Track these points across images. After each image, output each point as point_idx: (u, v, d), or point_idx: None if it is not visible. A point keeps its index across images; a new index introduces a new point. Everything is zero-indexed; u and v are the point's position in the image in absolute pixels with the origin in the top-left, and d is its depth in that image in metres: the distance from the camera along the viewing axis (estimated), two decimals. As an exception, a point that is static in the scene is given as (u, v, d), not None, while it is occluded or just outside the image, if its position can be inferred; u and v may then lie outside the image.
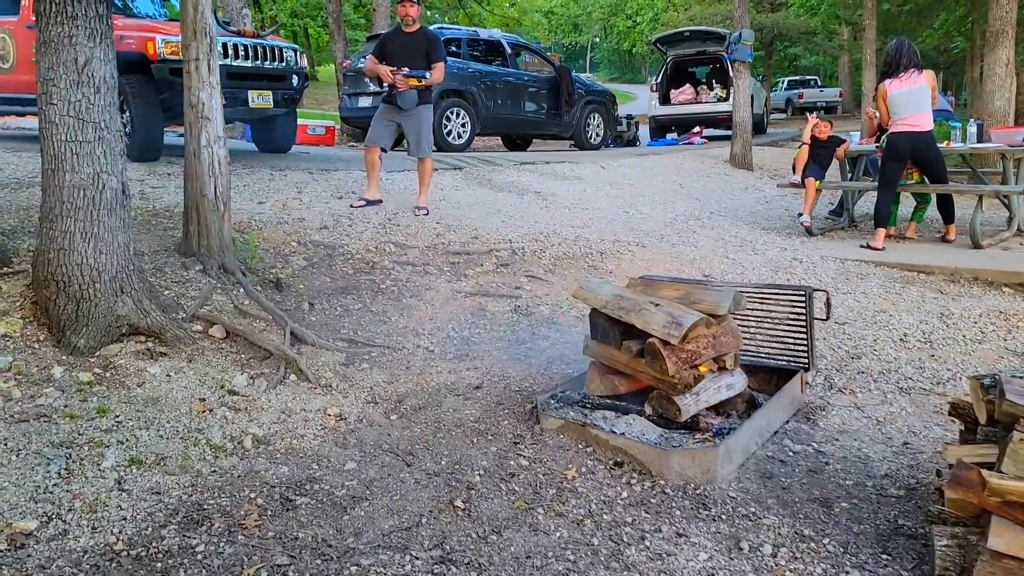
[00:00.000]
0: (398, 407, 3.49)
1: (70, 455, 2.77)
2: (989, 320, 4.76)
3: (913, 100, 6.05)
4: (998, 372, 2.84)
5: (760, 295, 3.68)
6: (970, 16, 15.05)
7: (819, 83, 32.46)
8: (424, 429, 3.27)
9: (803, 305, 3.53)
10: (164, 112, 7.54)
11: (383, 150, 6.55)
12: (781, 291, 3.66)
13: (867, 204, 8.17)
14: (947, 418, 3.45)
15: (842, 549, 2.46)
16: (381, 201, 6.56)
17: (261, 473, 2.84)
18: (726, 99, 15.20)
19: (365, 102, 11.09)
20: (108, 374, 3.40)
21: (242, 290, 4.46)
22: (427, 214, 6.40)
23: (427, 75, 6.15)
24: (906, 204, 7.35)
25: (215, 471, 2.84)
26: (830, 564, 2.38)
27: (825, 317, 3.60)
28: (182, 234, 4.77)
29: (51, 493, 2.55)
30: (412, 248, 5.65)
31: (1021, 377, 2.56)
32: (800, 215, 7.05)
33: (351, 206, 6.43)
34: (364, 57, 11.63)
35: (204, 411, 3.27)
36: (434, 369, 3.93)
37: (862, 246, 6.37)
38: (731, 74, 14.80)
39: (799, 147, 7.33)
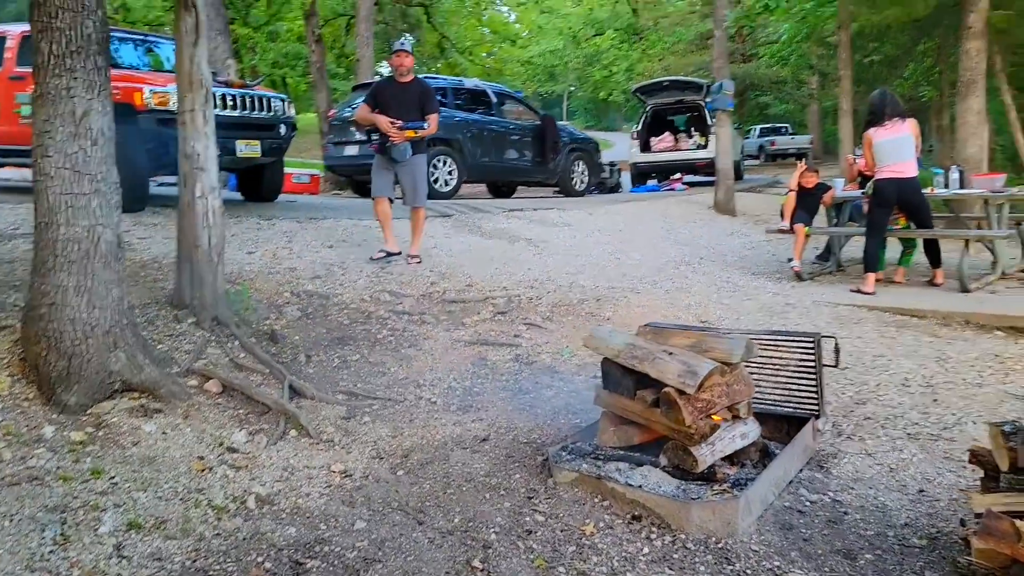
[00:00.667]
0: (404, 462, 3.39)
1: (65, 520, 2.65)
2: (985, 363, 4.77)
3: (898, 148, 6.17)
4: (1017, 419, 2.83)
5: (768, 342, 3.65)
6: (937, 66, 15.48)
7: (790, 130, 33.11)
8: (433, 485, 3.18)
9: (812, 352, 3.51)
10: (150, 162, 7.50)
11: (390, 200, 6.49)
12: (789, 338, 3.64)
13: (852, 249, 8.27)
14: (959, 464, 3.42)
15: (873, 604, 2.40)
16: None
17: (267, 535, 2.73)
18: (705, 146, 15.46)
19: (351, 151, 11.12)
20: (101, 433, 3.28)
21: (237, 343, 4.36)
22: (420, 262, 6.36)
23: (424, 126, 6.15)
24: (892, 249, 7.43)
25: (219, 534, 2.72)
26: (864, 621, 2.31)
27: (834, 364, 3.58)
28: (174, 286, 4.68)
29: (47, 561, 2.43)
30: (407, 297, 5.60)
31: (1041, 423, 2.55)
32: (790, 260, 7.11)
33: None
34: (350, 106, 11.70)
35: (203, 470, 3.16)
36: (438, 421, 3.84)
37: (853, 290, 6.42)
38: (709, 122, 15.15)
39: (787, 194, 7.42)
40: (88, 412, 3.42)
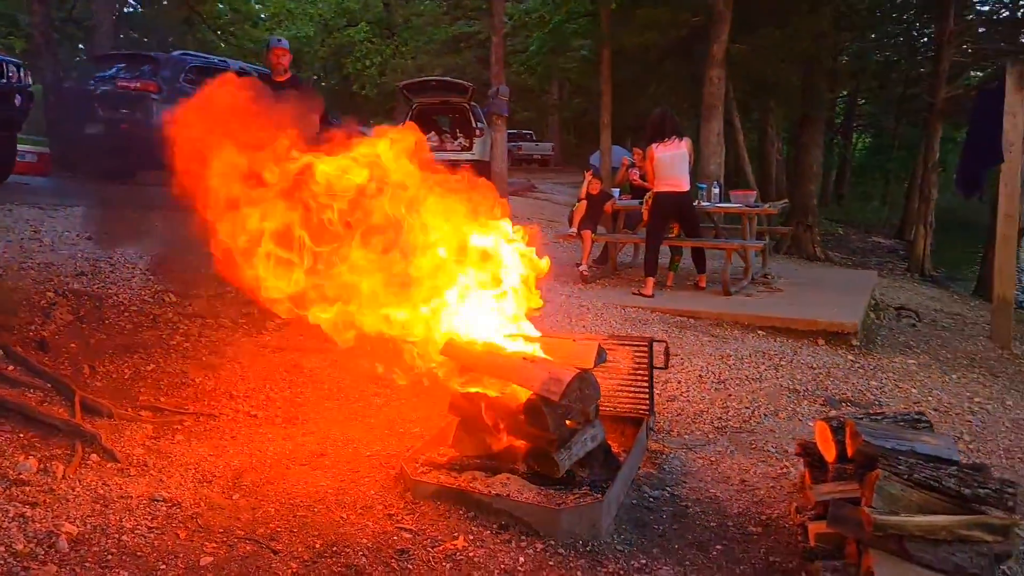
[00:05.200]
0: (238, 484, 3.05)
1: None
2: (758, 360, 5.34)
3: (676, 163, 6.72)
4: (842, 414, 3.20)
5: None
6: (674, 88, 17.10)
7: (534, 137, 34.88)
8: (279, 507, 2.89)
9: (644, 355, 3.70)
10: None
11: None
12: (623, 342, 3.81)
13: (625, 255, 8.90)
14: (765, 454, 3.80)
15: (737, 592, 2.57)
16: None
17: (97, 584, 2.31)
18: (469, 148, 15.77)
19: (92, 129, 9.82)
20: None
21: (1, 353, 3.67)
22: None
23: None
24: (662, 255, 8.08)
25: (31, 588, 2.26)
26: (737, 610, 2.47)
27: (664, 365, 3.80)
28: (-92, 283, 3.83)
29: None
30: (196, 297, 5.07)
31: (860, 419, 2.91)
32: (579, 264, 7.47)
33: None
34: (93, 80, 10.28)
35: (-10, 510, 2.61)
36: (264, 437, 3.51)
37: (634, 293, 6.88)
38: (474, 125, 15.51)
39: (577, 202, 7.80)
40: None
